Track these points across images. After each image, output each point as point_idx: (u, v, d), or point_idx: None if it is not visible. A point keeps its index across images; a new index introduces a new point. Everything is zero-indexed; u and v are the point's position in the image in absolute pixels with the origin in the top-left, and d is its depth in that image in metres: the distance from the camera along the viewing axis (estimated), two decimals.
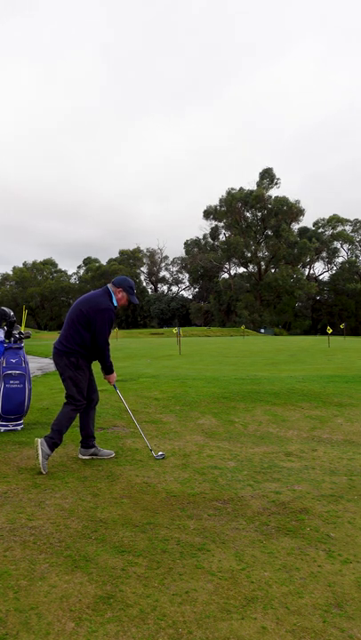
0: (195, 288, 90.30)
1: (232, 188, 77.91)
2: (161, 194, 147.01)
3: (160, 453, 4.32)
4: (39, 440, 3.79)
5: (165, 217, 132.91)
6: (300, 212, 75.30)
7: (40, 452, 3.75)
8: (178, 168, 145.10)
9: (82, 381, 4.04)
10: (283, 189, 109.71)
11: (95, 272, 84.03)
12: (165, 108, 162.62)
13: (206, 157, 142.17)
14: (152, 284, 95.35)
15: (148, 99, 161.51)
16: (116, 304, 4.09)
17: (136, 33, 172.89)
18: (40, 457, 3.74)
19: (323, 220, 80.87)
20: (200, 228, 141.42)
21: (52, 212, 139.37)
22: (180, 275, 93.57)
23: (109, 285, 4.15)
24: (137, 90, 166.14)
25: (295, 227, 77.50)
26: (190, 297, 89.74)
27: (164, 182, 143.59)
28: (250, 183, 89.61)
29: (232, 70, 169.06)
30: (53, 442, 3.86)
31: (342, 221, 79.15)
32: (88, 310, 3.96)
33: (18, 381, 5.09)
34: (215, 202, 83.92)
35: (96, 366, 4.18)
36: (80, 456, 4.24)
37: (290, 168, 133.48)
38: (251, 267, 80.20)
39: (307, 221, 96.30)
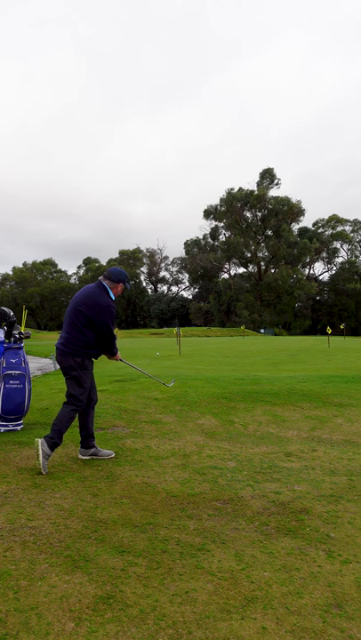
0: (195, 288, 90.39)
1: (231, 189, 77.98)
2: (160, 194, 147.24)
3: (171, 383, 5.72)
4: (39, 440, 3.79)
5: (165, 217, 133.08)
6: (301, 211, 75.35)
7: (40, 452, 3.74)
8: (177, 167, 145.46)
9: (87, 381, 4.05)
10: (281, 189, 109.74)
11: (95, 272, 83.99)
12: (164, 108, 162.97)
13: (206, 156, 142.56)
14: (152, 284, 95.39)
15: (145, 98, 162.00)
16: (113, 297, 4.10)
17: (126, 31, 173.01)
18: (40, 457, 3.74)
19: (322, 220, 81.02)
20: (200, 228, 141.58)
21: (51, 212, 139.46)
22: (180, 275, 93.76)
23: (106, 282, 4.09)
24: (136, 89, 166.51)
25: (295, 227, 77.62)
26: (190, 297, 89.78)
27: (164, 182, 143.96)
28: (250, 183, 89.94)
29: (227, 68, 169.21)
30: (54, 442, 3.86)
31: (342, 221, 79.22)
32: (89, 311, 3.93)
33: (18, 381, 5.09)
34: (215, 201, 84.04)
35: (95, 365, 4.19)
36: (80, 456, 4.24)
37: (284, 166, 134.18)
38: (251, 267, 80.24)
39: (306, 221, 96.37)
